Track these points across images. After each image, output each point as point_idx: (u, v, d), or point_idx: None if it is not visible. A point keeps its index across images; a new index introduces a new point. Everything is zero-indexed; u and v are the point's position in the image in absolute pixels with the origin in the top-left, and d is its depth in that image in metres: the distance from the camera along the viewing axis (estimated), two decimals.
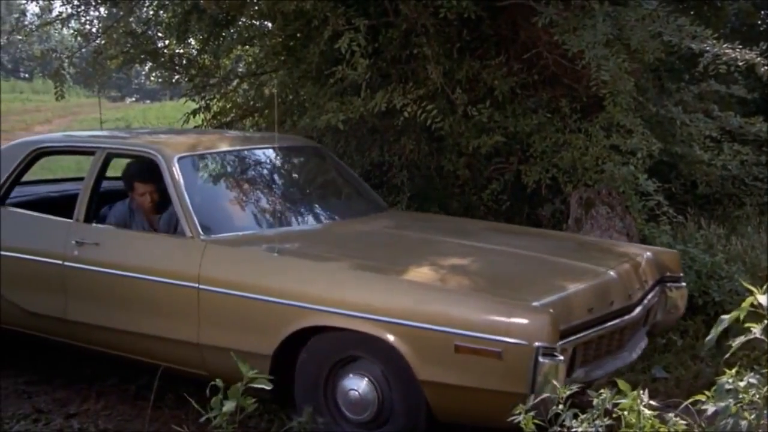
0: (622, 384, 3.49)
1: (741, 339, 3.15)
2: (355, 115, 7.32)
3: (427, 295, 4.48)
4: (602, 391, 3.52)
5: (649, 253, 5.52)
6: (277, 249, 4.93)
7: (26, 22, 10.82)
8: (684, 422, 3.52)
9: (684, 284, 5.62)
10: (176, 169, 5.38)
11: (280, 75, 8.58)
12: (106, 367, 6.09)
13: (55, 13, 9.72)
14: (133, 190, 5.87)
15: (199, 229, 5.14)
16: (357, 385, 4.60)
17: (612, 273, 4.96)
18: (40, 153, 6.23)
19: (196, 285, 4.99)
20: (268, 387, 3.93)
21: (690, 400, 3.39)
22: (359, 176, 6.93)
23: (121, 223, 5.81)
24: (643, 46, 6.55)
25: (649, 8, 6.65)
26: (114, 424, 5.38)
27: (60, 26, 9.88)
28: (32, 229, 5.90)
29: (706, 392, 3.24)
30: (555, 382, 3.87)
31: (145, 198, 5.82)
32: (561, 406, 3.57)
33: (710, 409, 3.20)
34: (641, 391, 3.50)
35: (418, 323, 4.34)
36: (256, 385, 3.88)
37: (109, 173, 6.10)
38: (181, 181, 5.33)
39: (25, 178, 6.45)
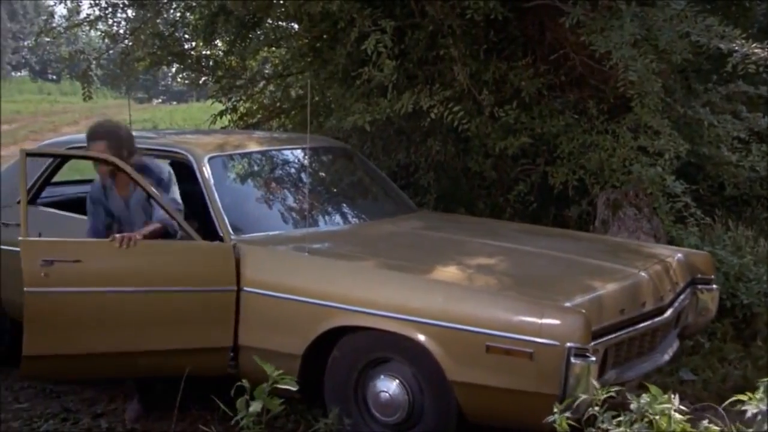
0: (653, 389, 3.48)
1: None
2: (382, 116, 7.32)
3: (458, 295, 4.48)
4: (643, 395, 3.51)
5: (680, 255, 5.50)
6: (307, 249, 4.94)
7: (54, 24, 10.85)
8: (717, 428, 3.50)
9: (715, 286, 5.60)
10: (207, 169, 5.40)
11: (307, 76, 8.59)
12: None
13: (82, 15, 9.75)
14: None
15: (230, 230, 5.15)
16: (387, 386, 4.61)
17: (643, 274, 4.95)
18: None
19: (227, 287, 5.00)
20: (293, 388, 3.93)
21: (726, 403, 3.37)
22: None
23: (99, 202, 5.43)
24: (671, 46, 6.51)
25: (677, 8, 6.61)
26: (141, 424, 5.40)
27: (88, 28, 9.94)
28: (63, 229, 5.92)
29: (749, 394, 3.22)
30: (594, 383, 3.86)
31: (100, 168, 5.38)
32: (597, 408, 3.56)
33: (750, 410, 3.17)
34: (673, 396, 3.49)
35: (449, 323, 4.34)
36: (283, 386, 3.88)
37: None
38: (212, 180, 5.35)
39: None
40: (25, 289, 4.82)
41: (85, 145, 6.04)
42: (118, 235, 4.91)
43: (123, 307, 4.92)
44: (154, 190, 5.13)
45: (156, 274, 4.97)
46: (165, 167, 5.39)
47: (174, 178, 5.34)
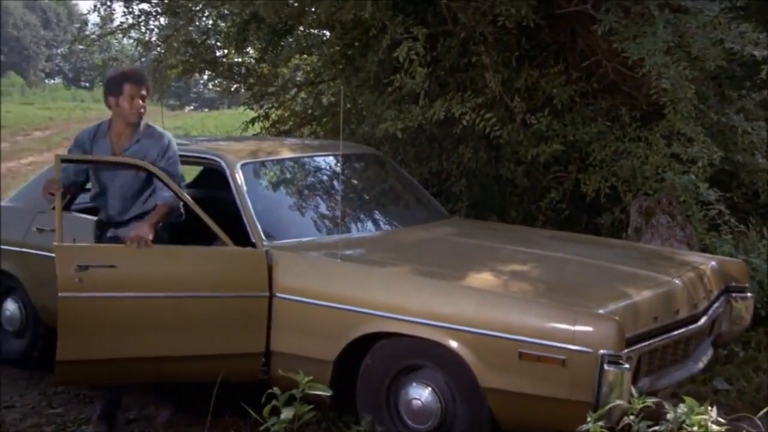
0: (689, 400, 3.45)
1: None
2: (414, 123, 7.33)
3: (491, 301, 4.46)
4: (680, 405, 3.49)
5: (714, 263, 5.46)
6: (339, 255, 4.95)
7: (87, 32, 10.96)
8: None
9: (750, 295, 5.55)
10: (239, 176, 5.42)
11: (339, 83, 8.62)
12: None
13: (116, 23, 9.84)
14: (121, 95, 5.21)
15: (263, 236, 5.17)
16: (420, 394, 4.59)
17: (677, 281, 4.92)
18: None
19: (260, 292, 5.01)
20: (327, 393, 3.93)
21: (763, 412, 3.35)
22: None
23: (80, 147, 5.36)
24: (704, 53, 6.48)
25: (710, 15, 6.58)
26: (174, 430, 5.43)
27: (121, 36, 10.02)
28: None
29: None
30: (632, 390, 3.84)
31: (134, 102, 5.21)
32: (633, 417, 3.54)
33: None
34: (710, 407, 3.46)
35: (482, 330, 4.33)
36: (314, 392, 3.88)
37: None
38: (244, 187, 5.37)
39: None
40: (59, 294, 4.83)
41: None
42: (132, 234, 4.93)
43: (156, 313, 4.93)
44: (189, 197, 5.19)
45: (189, 279, 4.99)
46: (167, 134, 5.42)
47: (177, 149, 5.39)
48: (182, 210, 5.24)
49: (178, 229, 5.72)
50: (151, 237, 4.93)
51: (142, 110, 5.25)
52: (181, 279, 5.00)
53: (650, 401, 3.62)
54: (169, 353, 4.99)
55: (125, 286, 4.89)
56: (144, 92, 5.23)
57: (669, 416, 3.46)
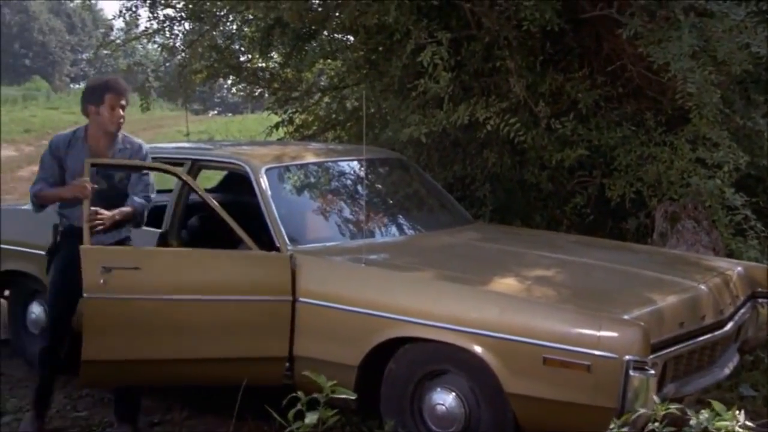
0: (716, 404, 3.42)
1: None
2: (438, 128, 7.32)
3: (516, 306, 4.45)
4: (702, 410, 3.46)
5: (740, 268, 5.43)
6: (363, 260, 4.95)
7: (112, 37, 11.01)
8: None
9: None
10: (264, 180, 5.43)
11: (362, 88, 8.62)
12: None
13: (140, 29, 9.89)
14: (102, 104, 5.24)
15: (287, 240, 5.18)
16: (444, 399, 4.59)
17: (703, 287, 4.89)
18: None
19: (284, 297, 5.01)
20: (352, 397, 3.92)
21: None
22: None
23: (55, 155, 5.29)
24: (730, 57, 6.43)
25: (736, 19, 6.52)
26: None
27: (145, 41, 10.06)
28: None
29: None
30: (654, 397, 3.82)
31: (115, 112, 5.24)
32: (657, 424, 3.52)
33: None
34: (737, 412, 3.43)
35: (506, 335, 4.32)
36: (339, 396, 3.87)
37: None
38: (269, 191, 5.38)
39: None
40: (84, 294, 4.86)
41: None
42: (94, 210, 5.00)
43: (180, 315, 4.97)
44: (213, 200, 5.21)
45: (213, 282, 5.01)
46: (144, 145, 5.45)
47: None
48: (144, 219, 5.37)
49: (202, 233, 5.75)
50: (103, 216, 5.02)
51: (122, 120, 5.27)
52: (205, 282, 5.03)
53: (673, 407, 3.59)
54: (192, 356, 5.03)
55: (148, 288, 4.93)
56: (123, 102, 5.26)
57: (692, 422, 3.43)
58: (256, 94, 10.38)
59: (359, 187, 5.86)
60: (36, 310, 6.48)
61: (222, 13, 9.41)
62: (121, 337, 4.96)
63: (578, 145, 7.33)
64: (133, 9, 9.55)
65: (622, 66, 7.46)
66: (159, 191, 7.55)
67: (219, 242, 5.41)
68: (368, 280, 4.91)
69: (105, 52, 10.67)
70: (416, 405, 4.70)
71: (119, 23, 10.45)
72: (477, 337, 4.39)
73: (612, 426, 3.58)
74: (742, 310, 5.21)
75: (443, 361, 4.59)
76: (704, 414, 3.42)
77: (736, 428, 3.36)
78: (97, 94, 5.25)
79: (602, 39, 7.64)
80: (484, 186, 7.87)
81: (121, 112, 5.25)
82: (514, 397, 4.34)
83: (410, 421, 4.71)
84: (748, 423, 3.43)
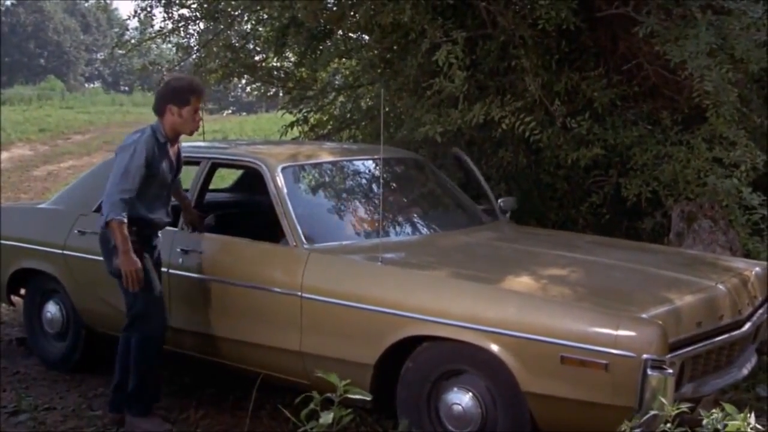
0: (728, 407, 3.40)
1: None
2: (453, 127, 7.30)
3: (533, 305, 4.44)
4: (714, 411, 3.44)
5: (758, 269, 5.40)
6: (380, 258, 4.94)
7: (127, 37, 11.04)
8: None
9: None
10: (280, 179, 5.44)
11: (378, 87, 8.61)
12: (205, 377, 6.17)
13: (155, 28, 9.89)
14: (186, 105, 5.27)
15: (303, 239, 5.18)
16: (460, 399, 4.58)
17: (720, 287, 4.86)
18: None
19: (299, 293, 5.03)
20: (367, 397, 3.91)
21: None
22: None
23: (151, 154, 5.22)
24: (747, 55, 6.40)
25: (753, 16, 6.49)
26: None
27: (160, 41, 10.08)
28: None
29: None
30: (662, 399, 3.79)
31: (197, 116, 5.36)
32: (669, 425, 3.50)
33: None
34: (749, 414, 3.41)
35: (523, 334, 4.31)
36: (354, 396, 3.86)
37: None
38: (285, 190, 5.39)
39: None
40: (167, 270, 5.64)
41: None
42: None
43: (221, 296, 5.47)
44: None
45: (240, 270, 5.44)
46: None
47: None
48: None
49: (218, 232, 5.76)
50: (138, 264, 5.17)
51: (200, 123, 5.40)
52: (233, 270, 5.45)
53: (684, 407, 3.57)
54: (231, 336, 5.45)
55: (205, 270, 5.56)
56: (202, 105, 5.39)
57: (704, 422, 3.41)
58: (271, 93, 10.40)
59: (375, 187, 5.84)
60: (52, 309, 6.50)
61: (237, 13, 9.42)
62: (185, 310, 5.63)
63: (594, 144, 7.30)
64: (148, 9, 9.57)
65: (638, 64, 7.44)
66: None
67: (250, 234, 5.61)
68: (385, 279, 4.90)
69: (120, 51, 10.68)
70: (432, 404, 4.69)
71: (134, 23, 10.47)
72: (494, 336, 4.38)
73: (623, 427, 3.57)
74: (761, 311, 5.18)
75: (460, 361, 4.57)
76: (715, 414, 3.40)
77: (748, 430, 3.34)
78: (182, 95, 5.24)
79: (618, 37, 7.61)
80: (500, 185, 7.85)
81: (200, 115, 5.36)
82: (532, 396, 4.33)
83: (426, 420, 4.69)
84: (758, 426, 3.41)
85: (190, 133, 5.41)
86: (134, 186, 5.13)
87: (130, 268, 5.07)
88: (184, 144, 5.78)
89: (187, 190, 5.93)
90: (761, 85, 7.71)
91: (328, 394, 3.81)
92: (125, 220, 5.07)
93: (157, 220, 5.42)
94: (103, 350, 6.32)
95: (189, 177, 6.06)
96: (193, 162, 6.06)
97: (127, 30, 11.78)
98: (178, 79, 5.53)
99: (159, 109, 5.32)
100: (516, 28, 7.32)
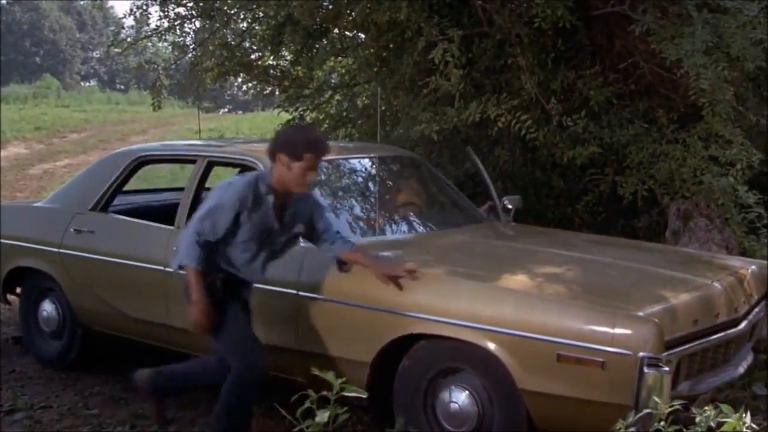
0: (724, 407, 3.40)
1: None
2: (449, 125, 7.31)
3: (530, 304, 4.43)
4: (706, 408, 3.44)
5: (754, 267, 5.40)
6: (377, 256, 4.93)
7: (123, 35, 11.03)
8: None
9: None
10: None
11: (374, 86, 8.62)
12: None
13: (151, 27, 9.89)
14: (300, 161, 4.62)
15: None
16: (457, 397, 4.57)
17: (717, 285, 4.86)
18: (142, 161, 6.36)
19: (295, 291, 5.03)
20: (363, 395, 3.91)
21: None
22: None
23: (243, 205, 4.68)
24: (743, 53, 6.41)
25: (749, 15, 6.51)
26: (209, 430, 5.44)
27: (156, 39, 10.07)
28: (135, 236, 6.00)
29: None
30: (656, 398, 3.79)
31: (309, 176, 4.67)
32: (663, 423, 3.50)
33: None
34: (744, 413, 3.40)
35: (520, 332, 4.30)
36: (350, 394, 3.86)
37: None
38: None
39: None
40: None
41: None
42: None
43: None
44: None
45: None
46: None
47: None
48: None
49: None
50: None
51: (310, 182, 4.73)
52: None
53: (677, 404, 3.57)
54: None
55: None
56: (320, 163, 4.76)
57: (697, 419, 3.41)
58: (267, 92, 10.39)
59: (371, 185, 5.84)
60: (48, 307, 6.49)
61: (233, 11, 9.41)
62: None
63: (590, 142, 7.32)
64: (144, 7, 9.57)
65: (634, 63, 7.45)
66: (170, 189, 7.63)
67: None
68: None
69: (116, 50, 10.67)
70: (429, 403, 4.68)
71: (130, 21, 10.44)
72: (491, 334, 4.37)
73: (618, 426, 3.57)
74: (757, 309, 5.18)
75: (457, 359, 4.57)
76: (708, 412, 3.40)
77: (744, 429, 3.34)
78: (296, 148, 4.60)
79: (614, 36, 7.63)
80: (496, 184, 7.84)
81: (314, 175, 4.71)
82: (528, 394, 4.32)
83: (423, 419, 4.68)
84: (754, 425, 3.40)
85: (296, 192, 4.73)
86: (213, 231, 4.65)
87: (195, 319, 4.67)
88: (180, 142, 5.78)
89: (182, 189, 5.91)
90: (757, 83, 7.74)
91: (325, 393, 3.80)
92: (197, 267, 4.61)
93: (243, 275, 4.87)
94: (99, 349, 6.30)
95: (185, 176, 6.05)
96: (190, 160, 6.05)
97: (123, 28, 11.79)
98: (299, 129, 5.01)
99: (271, 154, 4.71)
100: (512, 26, 7.33)
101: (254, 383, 4.77)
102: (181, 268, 4.67)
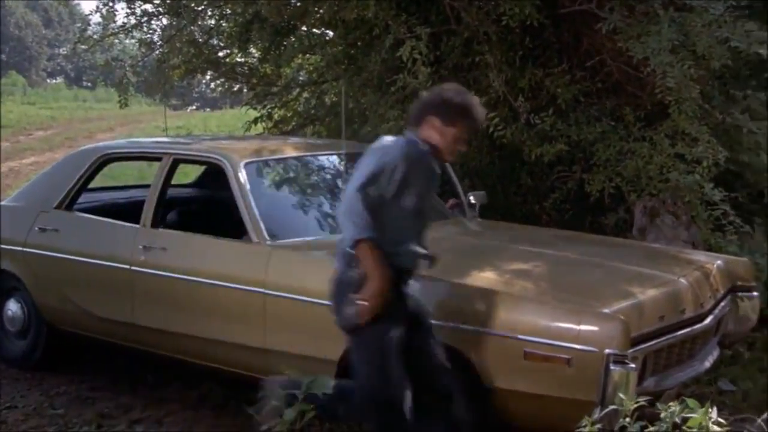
0: (690, 402, 3.41)
1: None
2: None
3: (496, 301, 4.42)
4: (671, 404, 3.45)
5: (719, 262, 5.43)
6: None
7: (90, 32, 10.95)
8: None
9: (756, 294, 5.50)
10: (243, 175, 5.41)
11: (341, 83, 8.60)
12: (168, 374, 6.13)
13: (118, 23, 9.81)
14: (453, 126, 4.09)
15: (266, 235, 5.16)
16: None
17: (683, 280, 4.88)
18: (108, 159, 6.31)
19: (262, 290, 5.00)
20: (326, 392, 3.90)
21: (765, 416, 3.30)
22: None
23: (429, 168, 4.15)
24: (709, 52, 6.44)
25: (715, 14, 6.54)
26: (178, 428, 5.41)
27: (123, 36, 10.00)
28: (100, 234, 5.96)
29: None
30: (622, 395, 3.80)
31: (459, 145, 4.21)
32: (628, 419, 3.50)
33: None
34: (710, 408, 3.42)
35: (486, 329, 4.30)
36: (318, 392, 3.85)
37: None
38: (248, 186, 5.36)
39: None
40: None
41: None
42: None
43: (184, 293, 5.45)
44: None
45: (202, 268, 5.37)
46: None
47: None
48: None
49: (181, 228, 5.73)
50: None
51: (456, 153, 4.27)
52: (196, 266, 5.38)
53: (643, 401, 3.58)
54: (181, 330, 5.45)
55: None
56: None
57: (662, 415, 3.42)
58: (235, 89, 10.36)
59: (339, 182, 5.82)
60: (13, 307, 6.43)
61: (200, 8, 9.34)
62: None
63: (557, 140, 7.32)
64: (111, 4, 9.49)
65: (601, 61, 7.47)
66: (136, 186, 7.57)
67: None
68: None
69: (82, 47, 10.60)
70: None
71: (96, 18, 10.37)
72: (457, 332, 4.37)
73: (584, 422, 3.57)
74: (722, 304, 5.21)
75: None
76: (673, 408, 3.41)
77: (710, 424, 3.35)
78: (451, 112, 4.08)
79: (582, 34, 7.64)
80: (463, 181, 7.84)
81: (463, 147, 4.27)
82: (495, 391, 4.33)
83: None
84: (721, 420, 3.42)
85: (443, 161, 4.29)
86: (381, 199, 3.92)
87: (374, 301, 3.87)
88: (146, 139, 5.75)
89: (148, 186, 5.88)
90: (723, 81, 7.79)
91: (294, 391, 3.79)
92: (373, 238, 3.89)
93: (405, 259, 4.10)
94: (64, 348, 6.25)
95: (153, 173, 6.02)
96: (155, 158, 6.02)
97: (90, 25, 11.67)
98: (455, 91, 4.20)
99: (418, 117, 4.15)
100: (480, 24, 7.33)
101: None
102: (356, 245, 3.89)
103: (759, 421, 3.46)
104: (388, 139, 4.10)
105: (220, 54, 9.97)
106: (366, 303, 3.85)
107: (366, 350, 4.03)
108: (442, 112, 4.06)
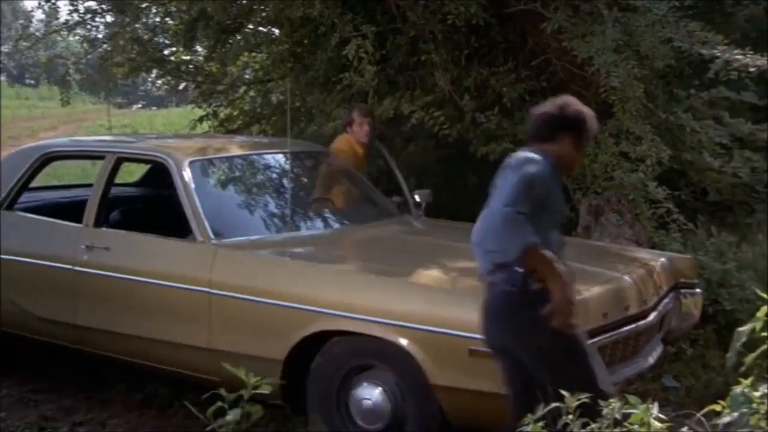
0: (632, 398, 3.43)
1: (759, 350, 3.09)
2: None
3: (441, 298, 4.44)
4: (612, 400, 3.47)
5: (663, 259, 5.47)
6: (288, 253, 4.91)
7: (32, 29, 10.83)
8: None
9: (699, 291, 5.57)
10: (187, 173, 5.36)
11: (287, 82, 8.58)
12: (112, 375, 6.06)
13: (61, 20, 9.71)
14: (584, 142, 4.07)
15: (210, 234, 5.12)
16: (370, 394, 4.55)
17: (626, 278, 4.91)
18: (49, 158, 6.22)
19: (207, 289, 4.97)
20: (266, 392, 3.87)
21: (703, 411, 3.33)
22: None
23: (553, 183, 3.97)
24: (652, 52, 6.52)
25: (658, 14, 6.62)
26: (122, 430, 5.35)
27: (66, 33, 9.90)
28: (42, 234, 5.87)
29: (721, 402, 3.18)
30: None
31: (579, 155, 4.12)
32: (570, 416, 3.51)
33: (724, 419, 3.13)
34: (651, 404, 3.44)
35: (432, 327, 4.30)
36: (264, 391, 3.82)
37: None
38: (192, 185, 5.31)
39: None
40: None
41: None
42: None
43: (128, 293, 5.38)
44: None
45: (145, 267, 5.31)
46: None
47: None
48: None
49: (123, 227, 5.67)
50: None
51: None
52: (140, 266, 5.31)
53: (585, 397, 3.58)
54: (125, 330, 5.36)
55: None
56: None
57: (603, 411, 3.43)
58: (181, 87, 10.31)
59: (284, 181, 5.80)
60: None
61: (144, 6, 9.28)
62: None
63: (503, 138, 7.36)
64: (53, 0, 9.39)
65: (546, 60, 7.52)
66: (79, 185, 7.47)
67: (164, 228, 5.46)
68: (293, 274, 4.86)
69: (25, 44, 10.48)
70: (343, 399, 4.66)
71: (39, 15, 10.29)
72: (402, 330, 4.37)
73: (527, 420, 3.57)
74: (666, 300, 5.25)
75: (369, 355, 4.56)
76: (614, 404, 3.42)
77: (651, 420, 3.37)
78: (581, 128, 4.01)
79: (527, 33, 7.69)
80: (410, 180, 7.85)
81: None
82: (441, 389, 4.33)
83: (336, 415, 4.66)
84: (662, 416, 3.44)
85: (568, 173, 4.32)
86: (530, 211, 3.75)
87: (566, 304, 3.70)
88: (89, 138, 5.68)
89: (91, 185, 5.81)
90: (666, 81, 7.88)
91: (241, 392, 3.76)
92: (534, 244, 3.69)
93: None
94: (7, 351, 6.16)
95: (95, 172, 5.94)
96: (98, 156, 5.94)
97: (32, 22, 11.56)
98: (578, 106, 4.07)
99: (545, 134, 4.00)
100: (426, 23, 7.35)
101: None
102: (525, 253, 3.72)
103: (698, 415, 3.47)
104: (522, 155, 3.99)
105: (165, 52, 9.93)
106: (562, 311, 3.71)
107: (569, 356, 3.88)
108: (574, 128, 3.99)
